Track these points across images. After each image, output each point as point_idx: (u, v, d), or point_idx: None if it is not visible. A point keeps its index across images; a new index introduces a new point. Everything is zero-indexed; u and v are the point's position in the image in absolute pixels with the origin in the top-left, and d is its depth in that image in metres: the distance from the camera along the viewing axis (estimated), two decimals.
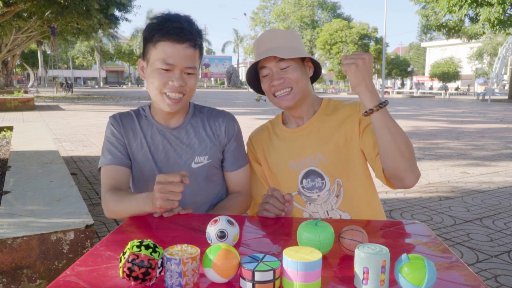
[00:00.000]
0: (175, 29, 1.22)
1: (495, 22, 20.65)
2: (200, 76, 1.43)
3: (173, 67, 1.24)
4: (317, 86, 59.66)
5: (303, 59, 1.39)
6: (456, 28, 24.57)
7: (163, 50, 1.22)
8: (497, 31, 21.77)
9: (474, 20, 23.05)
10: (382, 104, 1.12)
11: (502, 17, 20.40)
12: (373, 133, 1.28)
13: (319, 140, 1.39)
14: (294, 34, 1.43)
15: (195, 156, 1.37)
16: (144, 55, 1.30)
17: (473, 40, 25.65)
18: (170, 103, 1.27)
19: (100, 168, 1.36)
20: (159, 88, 1.25)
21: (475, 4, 20.80)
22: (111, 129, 1.37)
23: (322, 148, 1.38)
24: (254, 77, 1.46)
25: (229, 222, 0.95)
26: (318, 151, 1.38)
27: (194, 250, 0.78)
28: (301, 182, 1.40)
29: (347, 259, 0.89)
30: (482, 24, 21.49)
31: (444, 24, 24.62)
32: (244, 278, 0.74)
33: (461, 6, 21.11)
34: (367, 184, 1.40)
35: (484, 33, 22.90)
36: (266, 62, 1.35)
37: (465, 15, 21.62)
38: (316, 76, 1.46)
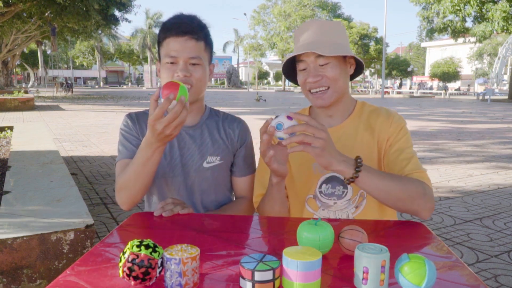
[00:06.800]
0: (173, 24, 1.31)
1: (506, 17, 20.54)
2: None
3: (177, 59, 1.29)
4: None
5: (345, 56, 1.29)
6: (461, 30, 24.49)
7: (167, 46, 1.30)
8: (507, 28, 21.64)
9: (478, 19, 22.94)
10: (359, 167, 1.04)
11: (509, 13, 20.33)
12: (391, 163, 1.27)
13: (350, 147, 1.30)
14: (339, 27, 1.31)
15: (208, 156, 1.40)
16: (159, 58, 1.38)
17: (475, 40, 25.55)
18: None
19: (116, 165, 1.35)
20: (166, 81, 1.29)
21: (480, 1, 20.73)
22: (125, 124, 1.39)
23: (352, 156, 1.29)
24: (291, 67, 1.37)
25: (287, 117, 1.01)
26: None
27: (194, 250, 0.78)
28: (320, 187, 1.33)
29: (347, 259, 0.89)
30: (492, 22, 21.35)
31: (446, 25, 24.54)
32: (244, 278, 0.74)
33: (465, 4, 21.02)
34: None
35: (492, 32, 22.73)
36: (304, 56, 1.27)
37: (469, 14, 21.55)
38: (356, 73, 1.37)
